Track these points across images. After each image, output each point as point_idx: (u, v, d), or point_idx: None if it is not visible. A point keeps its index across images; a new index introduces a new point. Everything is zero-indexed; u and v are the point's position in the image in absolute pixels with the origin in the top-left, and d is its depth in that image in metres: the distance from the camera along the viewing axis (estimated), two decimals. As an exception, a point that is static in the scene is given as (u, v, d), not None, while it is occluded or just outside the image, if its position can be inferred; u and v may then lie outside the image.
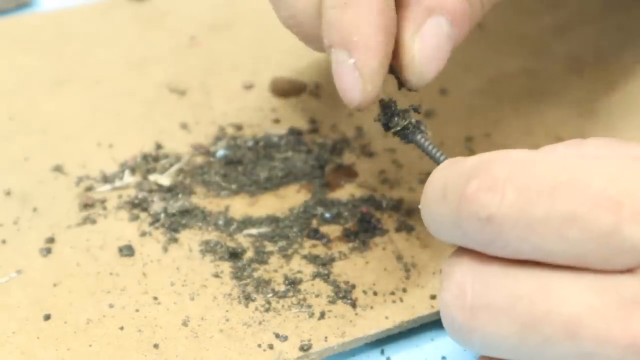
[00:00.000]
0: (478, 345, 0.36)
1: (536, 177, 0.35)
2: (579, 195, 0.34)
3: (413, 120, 0.44)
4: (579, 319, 0.34)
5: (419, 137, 0.44)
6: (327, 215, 0.51)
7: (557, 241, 0.34)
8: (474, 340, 0.36)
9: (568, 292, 0.34)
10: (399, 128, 0.44)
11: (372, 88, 0.42)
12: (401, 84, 0.44)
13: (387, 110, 0.44)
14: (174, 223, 0.51)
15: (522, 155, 0.36)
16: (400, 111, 0.44)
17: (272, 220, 0.51)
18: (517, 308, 0.35)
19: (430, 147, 0.44)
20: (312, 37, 0.45)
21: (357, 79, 0.41)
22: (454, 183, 0.36)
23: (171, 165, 0.55)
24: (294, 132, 0.57)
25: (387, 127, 0.45)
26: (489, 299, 0.35)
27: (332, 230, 0.51)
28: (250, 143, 0.56)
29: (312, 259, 0.49)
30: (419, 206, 0.39)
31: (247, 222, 0.51)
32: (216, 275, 0.49)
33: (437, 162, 0.43)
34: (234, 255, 0.49)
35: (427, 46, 0.42)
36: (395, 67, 0.43)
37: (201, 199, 0.53)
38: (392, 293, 0.47)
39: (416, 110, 0.45)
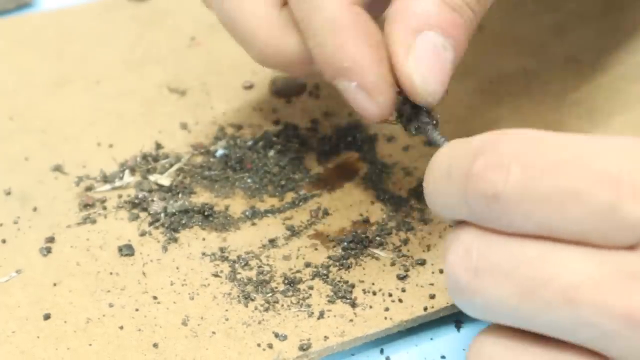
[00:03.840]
0: (479, 307, 0.37)
1: (541, 154, 0.35)
2: (581, 172, 0.35)
3: (429, 119, 0.45)
4: (578, 287, 0.35)
5: (435, 134, 0.44)
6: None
7: (560, 218, 0.35)
8: (475, 302, 0.37)
9: (569, 261, 0.35)
10: (417, 126, 0.45)
11: (383, 99, 0.43)
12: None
13: (402, 111, 0.45)
14: (174, 223, 0.51)
15: (530, 132, 0.36)
16: (415, 111, 0.45)
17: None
18: (519, 272, 0.36)
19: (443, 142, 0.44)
20: (299, 73, 0.48)
21: (366, 97, 0.43)
22: (459, 161, 0.37)
23: (171, 165, 0.55)
24: (290, 127, 0.57)
25: (406, 126, 0.45)
26: (493, 262, 0.36)
27: (332, 229, 0.51)
28: (250, 143, 0.56)
29: (312, 258, 0.49)
30: (423, 185, 0.40)
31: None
32: (216, 275, 0.49)
33: None
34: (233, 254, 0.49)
35: (424, 65, 0.43)
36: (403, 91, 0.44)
37: (201, 199, 0.53)
38: (392, 293, 0.47)
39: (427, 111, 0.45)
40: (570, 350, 0.36)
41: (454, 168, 0.37)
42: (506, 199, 0.35)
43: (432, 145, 0.44)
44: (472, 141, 0.37)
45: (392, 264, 0.49)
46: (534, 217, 0.35)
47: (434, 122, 0.45)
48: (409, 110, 0.45)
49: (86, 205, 0.52)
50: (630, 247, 0.35)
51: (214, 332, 0.46)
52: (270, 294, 0.47)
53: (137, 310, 0.47)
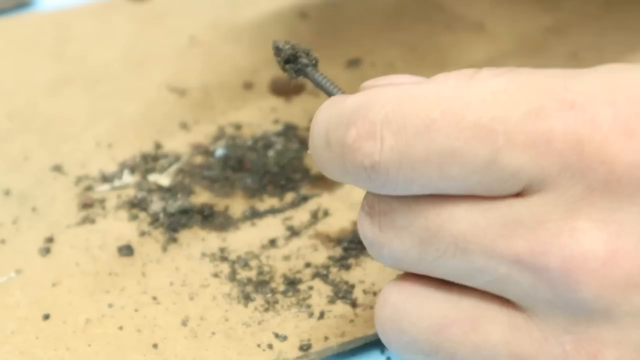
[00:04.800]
0: (388, 258, 0.38)
1: (412, 115, 0.35)
2: (453, 130, 0.34)
3: (308, 60, 0.42)
4: (466, 235, 0.35)
5: (315, 73, 0.43)
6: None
7: (441, 179, 0.35)
8: (384, 254, 0.38)
9: (457, 211, 0.35)
10: (297, 66, 0.43)
11: None
12: None
13: (282, 52, 0.43)
14: (173, 223, 0.51)
15: (397, 92, 0.36)
16: (296, 51, 0.43)
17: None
18: (415, 225, 0.36)
19: (325, 82, 0.42)
20: None
21: None
22: (335, 130, 0.36)
23: (170, 165, 0.55)
24: (290, 127, 0.57)
25: (284, 67, 0.43)
26: (393, 217, 0.37)
27: (332, 229, 0.51)
28: (249, 142, 0.56)
29: (312, 258, 0.49)
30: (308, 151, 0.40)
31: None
32: (215, 275, 0.48)
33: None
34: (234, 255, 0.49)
35: None
36: None
37: (201, 199, 0.53)
38: (392, 293, 0.47)
39: (307, 53, 0.43)
40: (473, 294, 0.37)
41: (331, 137, 0.37)
42: (384, 168, 0.35)
43: (319, 89, 0.42)
44: (345, 105, 0.37)
45: (393, 264, 0.49)
46: (415, 181, 0.35)
47: (313, 62, 0.42)
48: (287, 52, 0.42)
49: (85, 205, 0.52)
50: (517, 195, 0.35)
51: (213, 333, 0.46)
52: (270, 294, 0.47)
53: (136, 310, 0.47)
